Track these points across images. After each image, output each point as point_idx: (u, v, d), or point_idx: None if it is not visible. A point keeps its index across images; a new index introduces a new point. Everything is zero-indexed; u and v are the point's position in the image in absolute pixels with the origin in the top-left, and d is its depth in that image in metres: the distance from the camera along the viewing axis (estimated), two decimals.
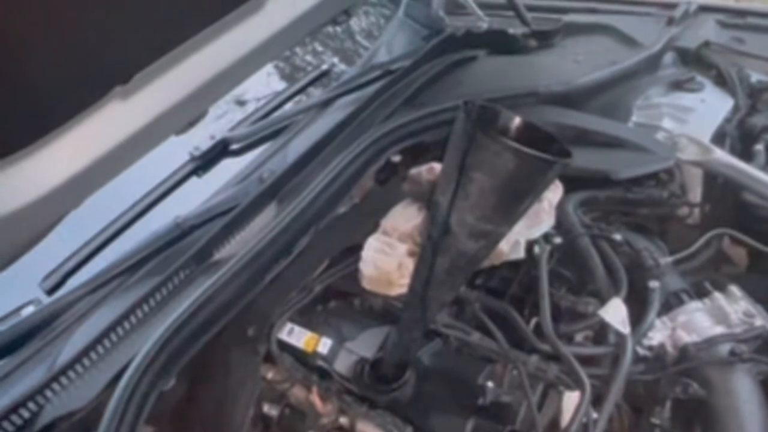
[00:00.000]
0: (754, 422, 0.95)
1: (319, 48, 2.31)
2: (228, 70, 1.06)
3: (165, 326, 1.09)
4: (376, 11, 2.38)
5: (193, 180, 1.47)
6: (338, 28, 2.23)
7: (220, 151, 1.50)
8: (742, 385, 0.99)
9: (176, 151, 1.44)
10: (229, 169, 1.51)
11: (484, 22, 1.83)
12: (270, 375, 1.21)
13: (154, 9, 0.87)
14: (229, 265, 1.20)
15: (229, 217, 1.32)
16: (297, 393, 1.18)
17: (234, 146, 1.52)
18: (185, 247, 1.31)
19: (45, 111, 0.82)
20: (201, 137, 1.50)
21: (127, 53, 0.88)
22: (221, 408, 1.22)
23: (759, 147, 1.31)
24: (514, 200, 0.86)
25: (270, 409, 1.19)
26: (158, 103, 0.95)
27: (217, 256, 1.32)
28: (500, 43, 1.74)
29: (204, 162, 1.47)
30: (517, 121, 0.89)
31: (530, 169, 0.83)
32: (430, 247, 0.94)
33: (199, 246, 1.27)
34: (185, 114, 1.07)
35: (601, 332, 1.07)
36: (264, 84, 1.90)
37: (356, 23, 2.33)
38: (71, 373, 1.09)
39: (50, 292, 1.26)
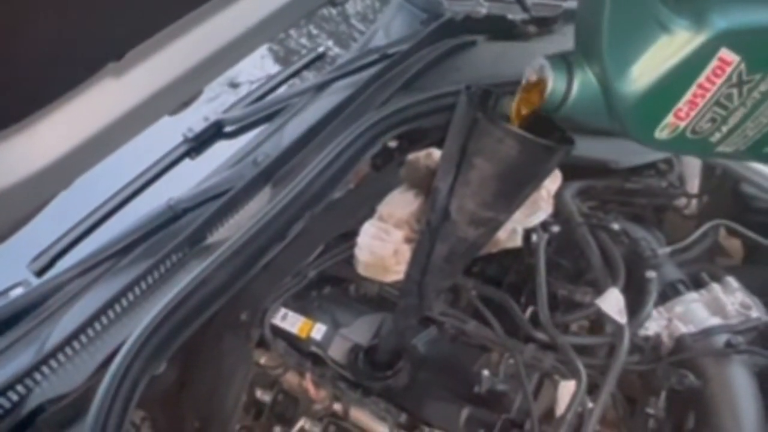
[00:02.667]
0: (748, 413, 0.95)
1: (314, 31, 2.28)
2: (224, 50, 1.03)
3: (157, 310, 1.08)
4: None
5: (187, 162, 1.44)
6: (333, 11, 2.20)
7: (214, 132, 1.47)
8: (738, 377, 0.99)
9: (169, 131, 1.42)
10: (223, 151, 1.48)
11: (483, 7, 1.80)
12: (263, 360, 1.20)
13: None
14: (222, 249, 1.18)
15: (222, 200, 1.30)
16: (290, 379, 1.17)
17: (228, 128, 1.49)
18: (178, 230, 1.29)
19: (35, 87, 0.79)
20: (194, 119, 1.47)
21: (120, 29, 0.85)
22: (213, 393, 1.21)
23: None
24: (515, 187, 0.85)
25: (263, 395, 1.18)
26: (152, 81, 0.92)
27: (211, 239, 1.30)
28: (499, 29, 1.72)
29: (198, 144, 1.45)
30: None
31: (533, 155, 0.81)
32: (429, 233, 0.93)
33: (192, 229, 1.25)
34: (179, 93, 1.04)
35: (598, 322, 1.07)
36: (258, 66, 1.87)
37: (351, 6, 2.30)
38: (61, 356, 1.08)
39: (39, 273, 1.24)
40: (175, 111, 1.11)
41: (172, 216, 1.31)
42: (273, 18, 1.12)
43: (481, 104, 0.86)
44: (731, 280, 1.10)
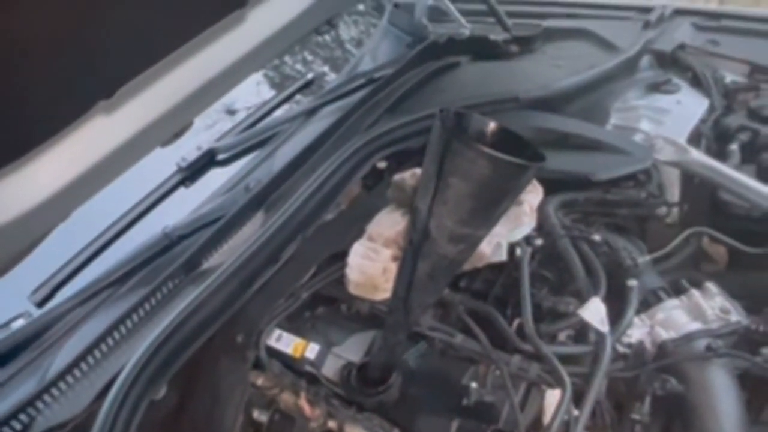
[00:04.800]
0: (729, 416, 0.98)
1: (309, 57, 2.33)
2: (211, 83, 1.09)
3: (153, 336, 1.11)
4: (365, 20, 2.41)
5: (181, 190, 1.49)
6: (327, 37, 2.26)
7: (207, 161, 1.52)
8: (719, 380, 1.01)
9: (164, 162, 1.46)
10: (216, 178, 1.53)
11: (466, 29, 1.86)
12: (259, 381, 1.22)
13: (136, 24, 0.89)
14: (217, 274, 1.22)
15: (216, 227, 1.34)
16: (286, 398, 1.19)
17: (221, 156, 1.54)
18: (174, 257, 1.32)
19: (29, 127, 0.84)
20: (188, 148, 1.52)
21: (109, 68, 0.90)
22: (211, 415, 1.23)
23: (733, 147, 1.34)
24: (490, 204, 0.89)
25: (260, 415, 1.20)
26: (142, 117, 0.97)
27: (206, 265, 1.34)
28: (482, 49, 1.77)
29: (191, 173, 1.49)
30: (492, 126, 0.91)
31: (504, 173, 0.85)
32: (411, 251, 0.96)
33: (188, 256, 1.29)
34: (169, 126, 1.09)
35: (582, 331, 1.09)
36: (254, 93, 1.92)
37: (345, 32, 2.36)
38: (62, 385, 1.11)
39: (40, 304, 1.27)
40: (166, 143, 1.16)
41: (168, 244, 1.34)
42: (257, 51, 1.17)
43: (456, 126, 0.90)
44: (711, 286, 1.13)
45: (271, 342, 1.23)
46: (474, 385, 1.03)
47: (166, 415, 1.23)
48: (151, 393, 1.10)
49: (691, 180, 1.33)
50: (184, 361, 1.14)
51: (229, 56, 1.12)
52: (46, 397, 1.09)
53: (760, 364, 1.06)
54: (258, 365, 1.22)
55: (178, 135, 1.18)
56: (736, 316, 1.09)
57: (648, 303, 1.13)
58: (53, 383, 1.10)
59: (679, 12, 1.69)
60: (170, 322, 1.13)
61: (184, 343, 1.15)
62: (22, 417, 1.07)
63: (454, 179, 0.87)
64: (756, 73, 1.48)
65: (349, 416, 1.10)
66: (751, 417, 1.13)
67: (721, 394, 1.00)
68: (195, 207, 1.45)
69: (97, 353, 1.16)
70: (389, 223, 1.28)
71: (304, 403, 1.15)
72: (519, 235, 1.21)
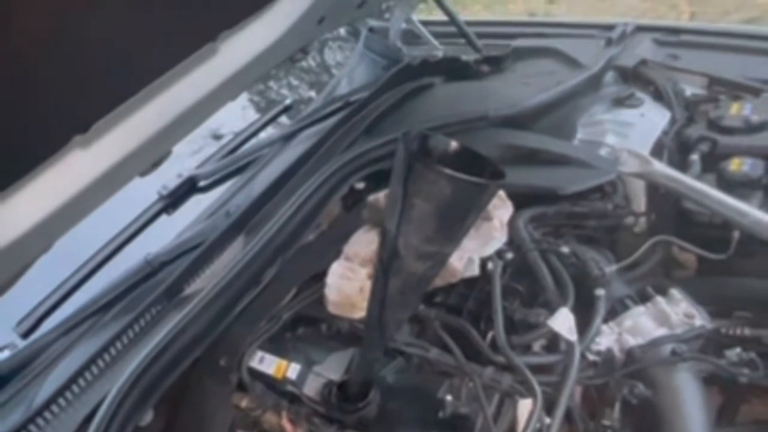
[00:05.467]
0: (695, 417, 1.01)
1: (294, 81, 2.39)
2: (186, 114, 1.12)
3: (137, 362, 1.13)
4: (349, 45, 2.47)
5: (163, 218, 1.52)
6: (312, 62, 2.32)
7: (188, 188, 1.55)
8: (685, 383, 1.05)
9: (146, 190, 1.49)
10: (197, 205, 1.56)
11: (439, 51, 1.92)
12: (243, 403, 1.24)
13: (109, 59, 0.92)
14: (199, 298, 1.24)
15: (197, 252, 1.37)
16: (269, 419, 1.21)
17: (201, 183, 1.57)
18: (156, 284, 1.35)
19: (7, 164, 0.87)
20: (170, 175, 1.55)
21: (84, 104, 0.94)
22: None
23: (694, 157, 1.40)
24: (454, 222, 0.93)
25: None
26: (118, 149, 1.00)
27: (188, 290, 1.36)
28: (454, 70, 1.83)
29: (173, 200, 1.53)
30: (454, 146, 0.95)
31: (465, 192, 0.89)
32: (382, 270, 1.00)
33: (170, 282, 1.31)
34: (146, 158, 1.12)
35: (553, 341, 1.13)
36: (240, 118, 1.96)
37: (331, 57, 2.42)
38: (48, 414, 1.12)
39: (25, 335, 1.29)
40: (144, 173, 1.19)
41: (150, 271, 1.37)
42: (231, 81, 1.21)
43: (419, 148, 0.95)
44: (675, 292, 1.17)
45: (254, 364, 1.25)
46: (449, 398, 1.06)
47: None
48: (137, 418, 1.12)
49: (656, 190, 1.38)
50: (168, 386, 1.16)
51: (203, 88, 1.15)
52: (32, 427, 1.11)
53: (725, 366, 1.10)
54: (241, 387, 1.24)
55: (156, 165, 1.21)
56: (701, 320, 1.13)
57: (615, 311, 1.16)
58: (39, 412, 1.12)
59: (641, 28, 1.76)
60: (153, 347, 1.16)
61: (168, 367, 1.17)
62: None
63: (417, 200, 0.91)
64: (714, 85, 1.54)
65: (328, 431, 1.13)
66: (727, 419, 1.17)
67: (687, 396, 1.03)
68: (177, 234, 1.48)
69: (81, 381, 1.17)
70: (365, 242, 1.31)
71: (286, 423, 1.17)
72: (490, 250, 1.25)
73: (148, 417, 1.18)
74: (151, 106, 1.06)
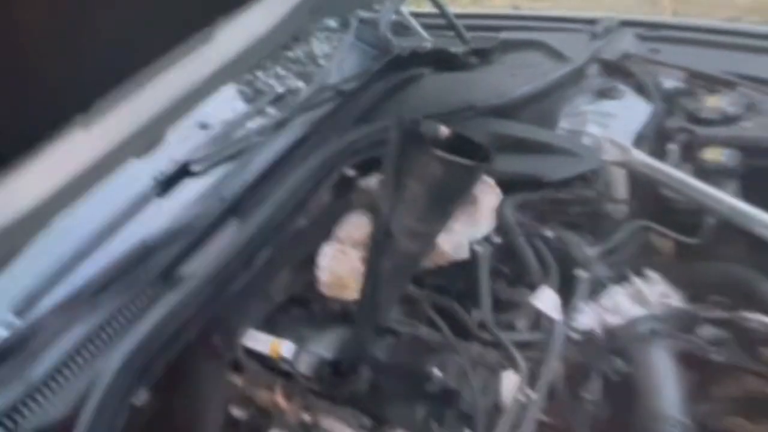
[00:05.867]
0: (671, 392, 1.07)
1: (282, 72, 2.41)
2: (183, 98, 1.15)
3: (132, 341, 1.15)
4: (337, 36, 2.50)
5: (158, 202, 1.54)
6: (300, 52, 2.35)
7: (182, 173, 1.57)
8: (660, 360, 1.11)
9: (141, 175, 1.51)
10: (191, 190, 1.58)
11: (428, 43, 1.96)
12: (238, 382, 1.28)
13: (108, 40, 0.95)
14: (193, 280, 1.27)
15: (192, 236, 1.39)
16: (263, 395, 1.25)
17: (195, 168, 1.60)
18: (151, 266, 1.37)
19: (7, 144, 0.89)
20: (165, 161, 1.57)
21: (85, 84, 0.96)
22: (194, 417, 1.28)
23: (673, 146, 1.45)
24: (444, 202, 0.97)
25: (238, 413, 1.26)
26: (117, 130, 1.03)
27: (182, 272, 1.39)
28: (443, 61, 1.87)
29: (167, 184, 1.55)
30: (444, 131, 1.00)
31: (456, 174, 0.94)
32: (375, 250, 1.04)
33: (165, 263, 1.34)
34: (143, 138, 1.15)
35: (538, 320, 1.18)
36: (227, 108, 1.98)
37: (319, 48, 2.45)
38: (45, 390, 1.14)
39: (21, 314, 1.31)
40: (141, 154, 1.22)
41: (145, 253, 1.39)
42: (227, 66, 1.24)
43: (411, 133, 0.99)
44: (652, 274, 1.23)
45: (248, 343, 1.28)
46: (437, 372, 1.10)
47: (150, 421, 1.27)
48: (131, 397, 1.14)
49: (636, 178, 1.44)
50: (163, 366, 1.19)
51: (199, 72, 1.19)
52: (29, 403, 1.13)
53: (699, 344, 1.16)
54: (236, 367, 1.28)
55: (151, 147, 1.24)
56: (676, 300, 1.18)
57: (596, 292, 1.22)
58: (36, 389, 1.14)
59: (624, 23, 1.81)
60: (148, 327, 1.18)
61: (163, 347, 1.19)
62: (7, 423, 1.10)
63: (410, 181, 0.96)
64: (693, 79, 1.60)
65: (323, 408, 1.17)
66: (701, 397, 1.23)
67: (663, 372, 1.09)
68: (171, 218, 1.50)
69: (79, 359, 1.20)
70: (356, 226, 1.35)
71: (279, 398, 1.21)
72: (479, 234, 1.30)
73: (143, 397, 1.21)
74: (149, 88, 1.09)
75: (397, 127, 0.96)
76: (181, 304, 1.23)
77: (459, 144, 0.98)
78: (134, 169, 1.36)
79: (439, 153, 0.92)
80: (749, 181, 1.40)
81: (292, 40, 1.54)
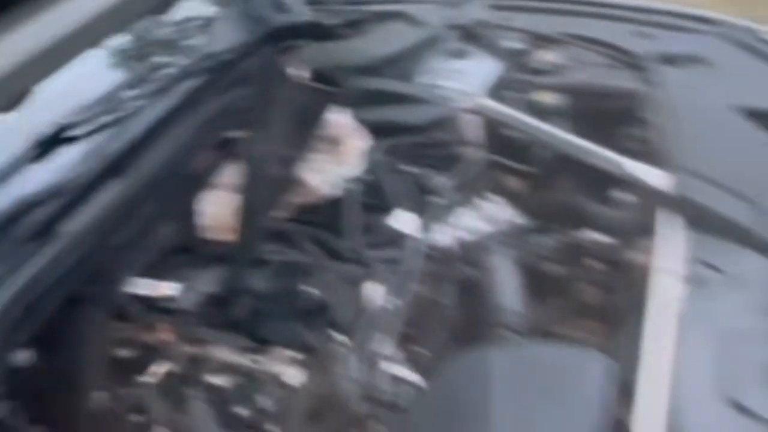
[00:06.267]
0: (510, 290, 1.26)
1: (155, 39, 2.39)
2: (47, 51, 1.17)
3: (3, 297, 1.16)
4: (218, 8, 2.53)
5: (34, 165, 1.53)
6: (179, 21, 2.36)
7: (59, 136, 1.57)
8: (503, 265, 1.30)
9: (14, 137, 1.50)
10: (70, 152, 1.58)
11: (304, 16, 2.07)
12: (122, 326, 1.32)
13: None
14: (72, 234, 1.29)
15: (70, 194, 1.41)
16: (148, 336, 1.30)
17: (73, 132, 1.60)
18: (28, 224, 1.37)
19: None
20: (39, 123, 1.56)
21: None
22: (80, 368, 1.31)
23: (515, 94, 1.68)
24: (303, 126, 1.09)
25: (124, 353, 1.30)
26: None
27: (61, 230, 1.40)
28: (319, 33, 1.99)
29: (44, 148, 1.54)
30: (303, 66, 1.12)
31: (311, 98, 1.06)
32: (247, 180, 1.14)
33: (42, 220, 1.35)
34: (4, 91, 1.15)
35: (400, 241, 1.33)
36: (106, 74, 1.97)
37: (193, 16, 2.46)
38: None
39: None
40: (5, 109, 1.22)
41: (23, 211, 1.39)
42: (100, 20, 1.28)
43: (274, 66, 1.10)
44: (499, 200, 1.43)
45: (133, 290, 1.33)
46: (308, 290, 1.22)
47: (37, 379, 1.28)
48: (6, 354, 1.14)
49: (486, 123, 1.64)
50: (42, 321, 1.20)
51: (65, 26, 1.21)
52: None
53: (538, 255, 1.37)
54: (120, 315, 1.32)
55: (16, 103, 1.25)
56: (516, 219, 1.39)
57: (451, 214, 1.39)
58: None
59: None
60: (23, 282, 1.19)
61: (38, 302, 1.20)
62: None
63: (273, 107, 1.07)
64: (534, 40, 1.85)
65: (206, 337, 1.24)
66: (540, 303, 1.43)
67: (504, 274, 1.28)
68: (49, 179, 1.50)
69: None
70: (234, 174, 1.44)
71: (164, 334, 1.27)
72: (348, 173, 1.43)
73: (26, 356, 1.22)
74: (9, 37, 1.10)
75: (264, 60, 1.06)
76: (59, 257, 1.25)
77: (317, 76, 1.11)
78: (8, 132, 1.36)
79: (300, 80, 1.04)
80: (577, 120, 1.65)
81: (167, 6, 1.59)
